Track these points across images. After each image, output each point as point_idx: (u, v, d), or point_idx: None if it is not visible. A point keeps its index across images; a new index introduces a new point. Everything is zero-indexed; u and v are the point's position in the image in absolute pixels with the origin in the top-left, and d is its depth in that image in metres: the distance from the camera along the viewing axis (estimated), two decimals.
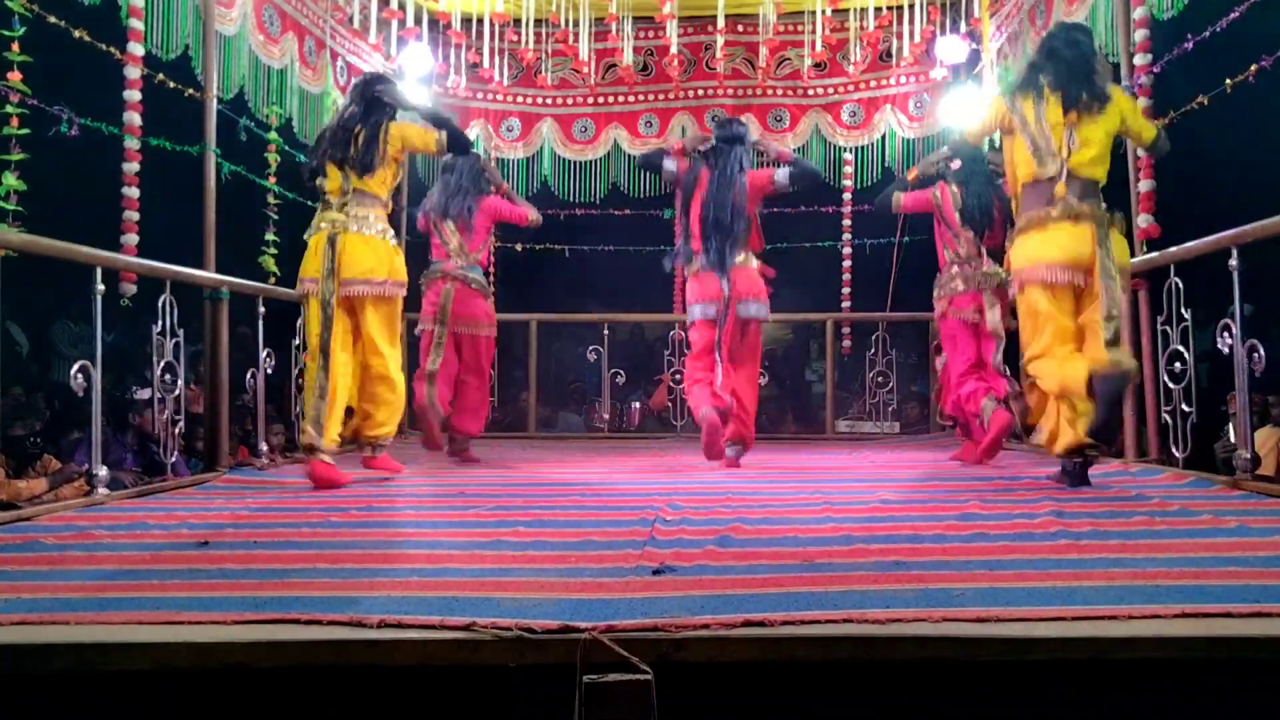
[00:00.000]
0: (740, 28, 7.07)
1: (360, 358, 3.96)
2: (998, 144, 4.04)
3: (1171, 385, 3.93)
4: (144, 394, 4.77)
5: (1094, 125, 3.45)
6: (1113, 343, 3.31)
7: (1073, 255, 3.41)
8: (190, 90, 4.62)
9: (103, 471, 3.54)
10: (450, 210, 4.95)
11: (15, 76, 3.66)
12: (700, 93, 7.32)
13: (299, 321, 5.12)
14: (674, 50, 6.34)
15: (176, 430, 4.03)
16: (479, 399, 5.06)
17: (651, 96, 7.32)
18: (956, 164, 4.77)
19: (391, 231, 4.05)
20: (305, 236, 4.03)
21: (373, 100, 4.01)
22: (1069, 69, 3.48)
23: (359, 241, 3.88)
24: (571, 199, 7.35)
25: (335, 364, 3.80)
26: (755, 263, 4.59)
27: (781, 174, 4.54)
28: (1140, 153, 4.32)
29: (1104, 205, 3.50)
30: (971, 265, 4.65)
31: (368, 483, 4.05)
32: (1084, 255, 3.40)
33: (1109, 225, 3.43)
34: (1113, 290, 3.35)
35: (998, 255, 4.50)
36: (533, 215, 5.16)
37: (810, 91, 7.22)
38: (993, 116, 3.72)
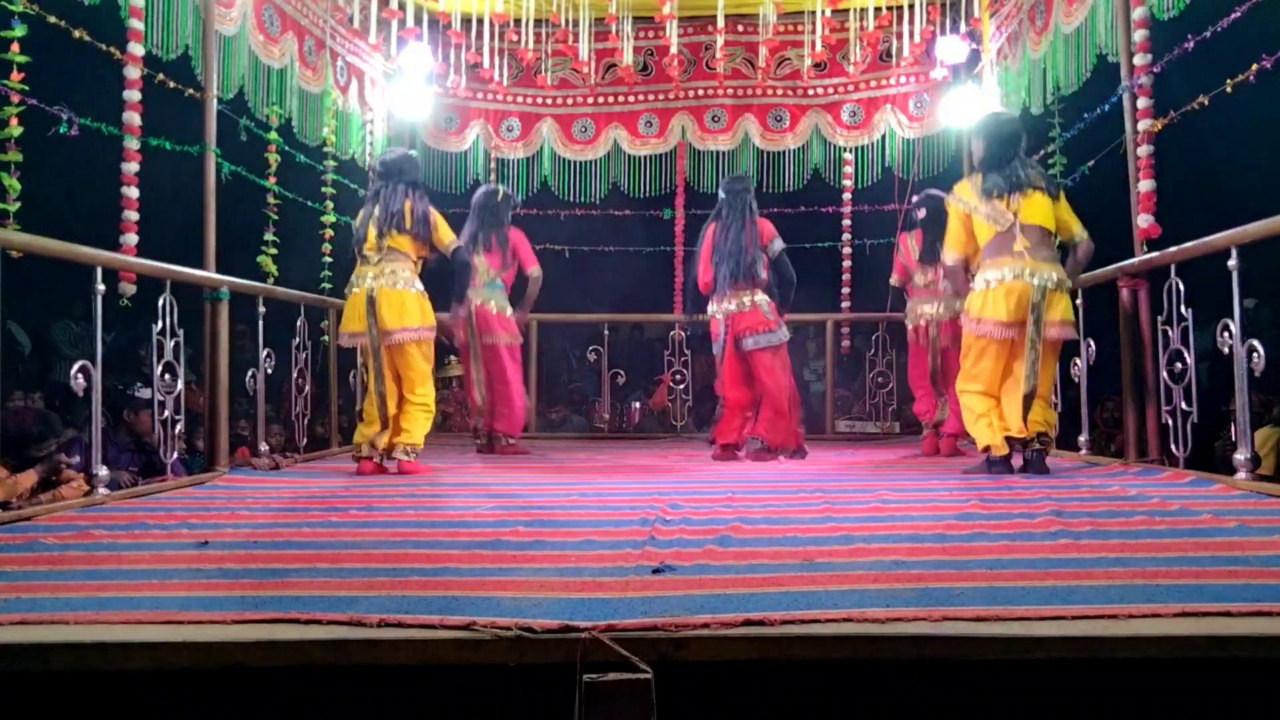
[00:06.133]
0: (740, 28, 7.06)
1: (402, 390, 4.49)
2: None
3: (1171, 385, 3.93)
4: (146, 393, 4.76)
5: (1031, 198, 4.05)
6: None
7: (1015, 316, 3.98)
8: (190, 90, 4.61)
9: (103, 471, 3.54)
10: (485, 241, 5.55)
11: (17, 77, 3.66)
12: (700, 93, 7.32)
13: (299, 322, 5.17)
14: (674, 50, 6.33)
15: (176, 430, 4.03)
16: (508, 403, 5.59)
17: (651, 96, 7.32)
18: (922, 213, 5.30)
19: (419, 283, 4.51)
20: (346, 292, 4.52)
21: (414, 183, 4.56)
22: (1006, 171, 4.10)
23: (394, 296, 4.39)
24: (571, 199, 7.35)
25: (389, 396, 4.41)
26: (763, 299, 5.01)
27: (780, 244, 5.12)
28: (1139, 154, 4.34)
29: (1057, 256, 4.08)
30: (930, 289, 5.28)
31: (368, 482, 4.06)
32: (1023, 316, 3.98)
33: (1051, 290, 3.97)
34: (1033, 361, 3.97)
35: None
36: (538, 270, 5.75)
37: (810, 91, 7.21)
38: (959, 222, 4.23)
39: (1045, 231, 4.06)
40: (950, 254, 4.31)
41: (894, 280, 5.64)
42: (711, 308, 5.10)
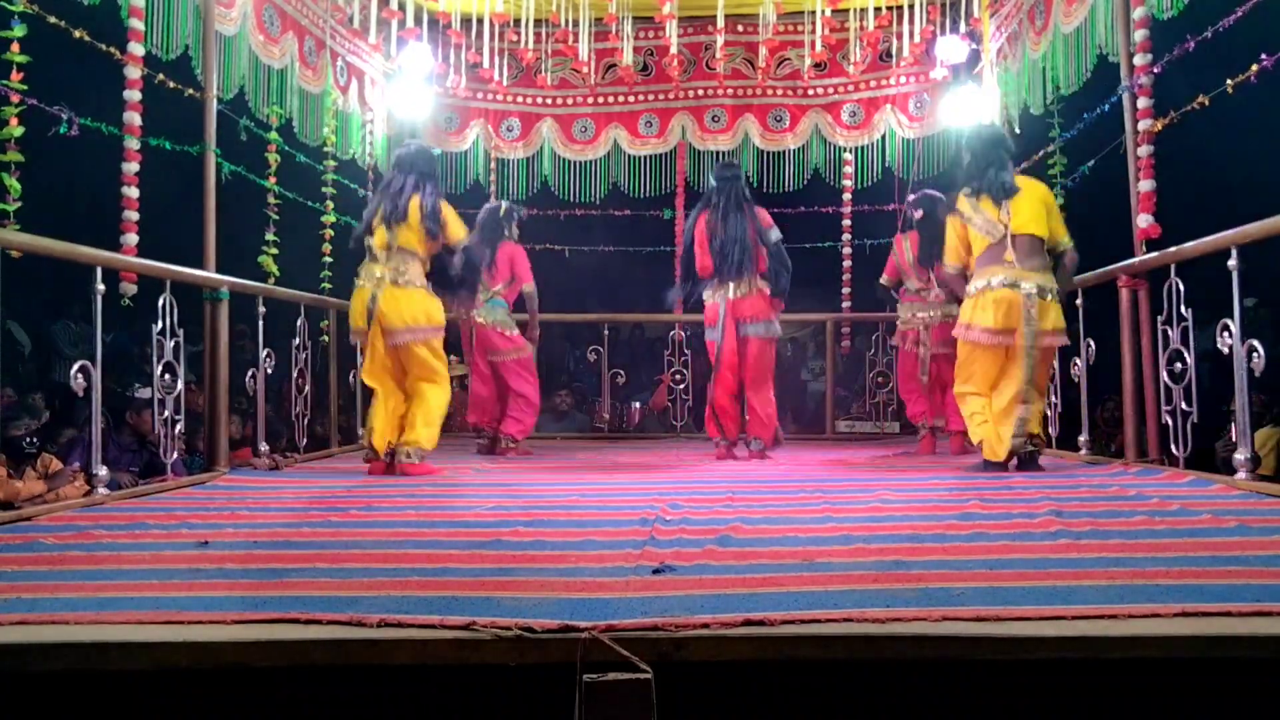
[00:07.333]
0: (740, 28, 7.06)
1: (410, 386, 4.42)
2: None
3: (1171, 385, 3.93)
4: (145, 393, 4.78)
5: (1021, 200, 4.16)
6: (1017, 434, 4.09)
7: (1004, 324, 4.07)
8: (190, 90, 4.60)
9: (103, 471, 3.54)
10: (484, 258, 5.45)
11: (17, 77, 3.65)
12: (700, 93, 7.32)
13: (299, 322, 5.17)
14: (674, 50, 6.32)
15: (176, 430, 4.03)
16: (519, 408, 5.61)
17: (651, 96, 7.32)
18: (919, 213, 5.35)
19: (427, 283, 4.45)
20: (356, 284, 4.43)
21: (426, 175, 4.47)
22: (987, 177, 4.21)
23: (400, 295, 4.32)
24: (571, 199, 7.35)
25: (391, 396, 4.38)
26: (763, 287, 5.05)
27: (777, 233, 5.09)
28: (1139, 154, 4.34)
29: (1048, 264, 4.16)
30: (922, 296, 5.39)
31: (368, 482, 4.06)
32: (1013, 324, 4.05)
33: (1041, 298, 4.04)
34: (1029, 366, 4.04)
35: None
36: (531, 286, 5.69)
37: (810, 91, 7.21)
38: (955, 233, 4.33)
39: (1036, 240, 4.14)
40: (948, 264, 4.44)
41: (883, 280, 5.68)
42: (708, 294, 5.10)
